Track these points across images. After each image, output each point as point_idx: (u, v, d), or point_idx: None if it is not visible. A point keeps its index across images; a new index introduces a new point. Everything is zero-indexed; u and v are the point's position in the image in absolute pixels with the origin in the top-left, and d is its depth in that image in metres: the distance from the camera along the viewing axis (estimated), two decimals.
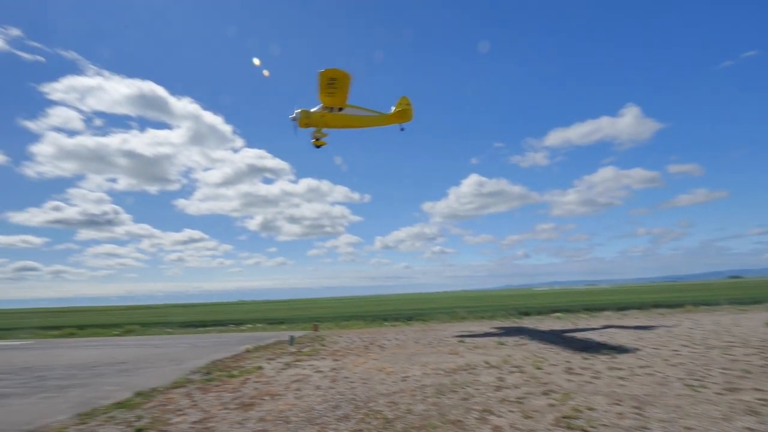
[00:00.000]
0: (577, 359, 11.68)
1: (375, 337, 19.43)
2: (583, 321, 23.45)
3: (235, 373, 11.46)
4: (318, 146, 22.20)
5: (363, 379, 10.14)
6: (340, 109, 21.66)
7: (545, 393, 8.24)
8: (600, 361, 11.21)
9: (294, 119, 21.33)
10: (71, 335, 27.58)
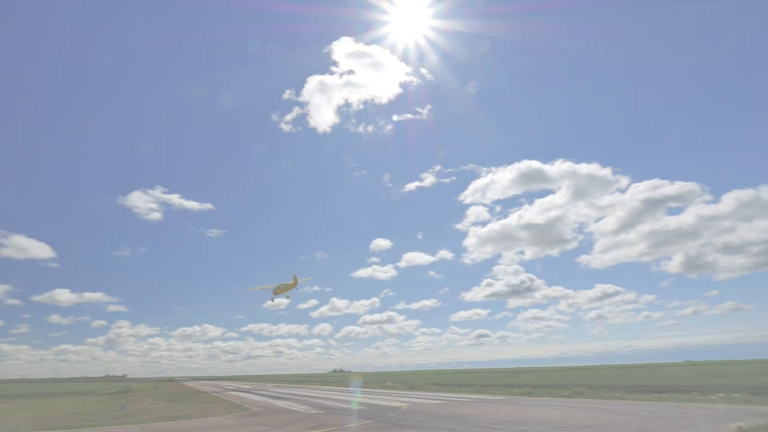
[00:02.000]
0: None
1: None
2: None
3: None
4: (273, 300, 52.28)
5: None
6: (279, 285, 49.87)
7: None
8: None
9: (271, 291, 50.45)
10: (529, 393, 31.19)
